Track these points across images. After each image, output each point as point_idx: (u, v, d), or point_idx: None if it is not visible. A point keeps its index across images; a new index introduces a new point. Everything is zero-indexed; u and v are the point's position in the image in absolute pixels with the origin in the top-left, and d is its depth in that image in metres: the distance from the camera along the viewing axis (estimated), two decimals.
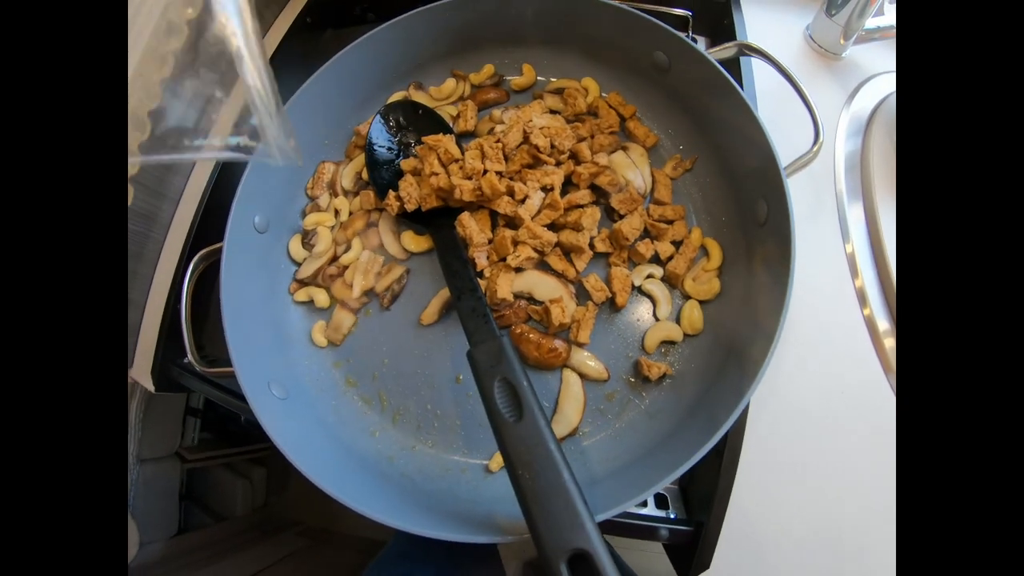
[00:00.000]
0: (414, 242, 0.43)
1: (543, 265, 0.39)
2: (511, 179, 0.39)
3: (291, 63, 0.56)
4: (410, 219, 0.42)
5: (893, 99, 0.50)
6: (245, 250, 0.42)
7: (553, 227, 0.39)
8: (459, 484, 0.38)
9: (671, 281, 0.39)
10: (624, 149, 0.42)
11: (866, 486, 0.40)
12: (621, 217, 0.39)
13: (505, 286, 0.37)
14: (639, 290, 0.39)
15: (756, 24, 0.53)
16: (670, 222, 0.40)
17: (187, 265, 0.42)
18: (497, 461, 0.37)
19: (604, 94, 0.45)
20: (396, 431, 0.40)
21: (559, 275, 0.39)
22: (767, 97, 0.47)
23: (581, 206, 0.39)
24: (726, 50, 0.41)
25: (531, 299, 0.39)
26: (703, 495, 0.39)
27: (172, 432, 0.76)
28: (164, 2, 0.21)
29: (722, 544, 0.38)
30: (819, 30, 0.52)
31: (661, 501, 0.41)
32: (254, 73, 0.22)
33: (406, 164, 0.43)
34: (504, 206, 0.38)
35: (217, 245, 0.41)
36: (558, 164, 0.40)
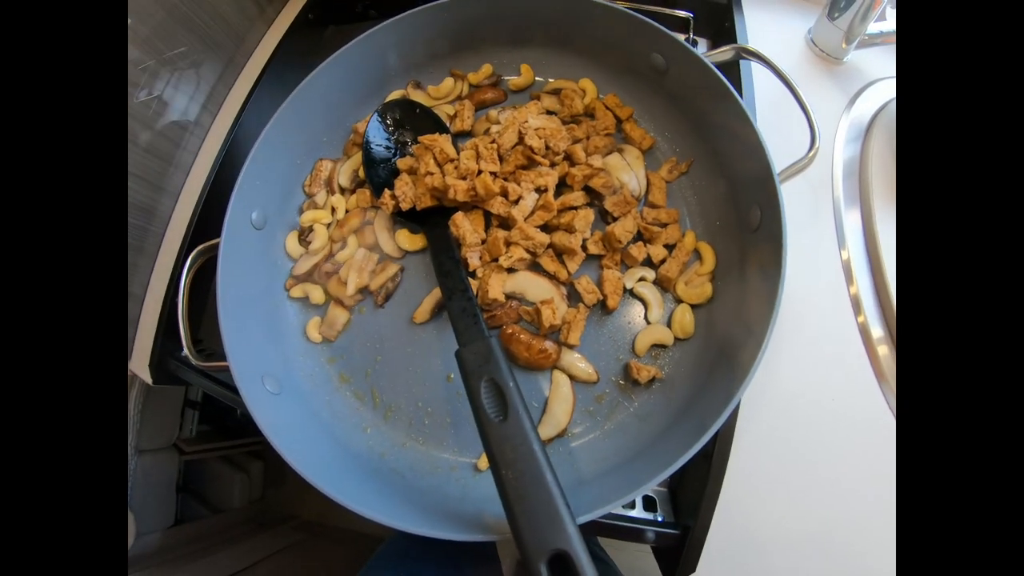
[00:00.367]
0: (409, 241, 0.43)
1: (535, 266, 0.39)
2: (505, 180, 0.39)
3: (292, 59, 0.57)
4: (405, 218, 0.42)
5: (894, 105, 0.49)
6: (242, 246, 0.42)
7: (546, 228, 0.39)
8: (448, 482, 0.38)
9: (663, 284, 0.39)
10: (620, 151, 0.42)
11: (856, 494, 0.40)
12: (615, 219, 0.39)
13: (497, 286, 0.37)
14: (631, 293, 0.39)
15: (757, 27, 0.53)
16: (664, 225, 0.40)
17: (186, 260, 0.43)
18: (486, 460, 0.38)
19: (602, 96, 0.45)
20: (388, 428, 0.41)
21: (551, 276, 0.39)
22: (766, 101, 0.47)
23: (574, 208, 0.39)
24: (723, 53, 0.41)
25: (523, 300, 0.39)
26: (691, 499, 0.39)
27: (170, 424, 0.77)
28: None
29: (709, 548, 0.38)
30: (821, 34, 0.52)
31: (649, 504, 0.41)
32: None
33: (402, 163, 0.43)
34: (497, 206, 0.38)
35: (214, 240, 0.42)
36: (553, 165, 0.40)
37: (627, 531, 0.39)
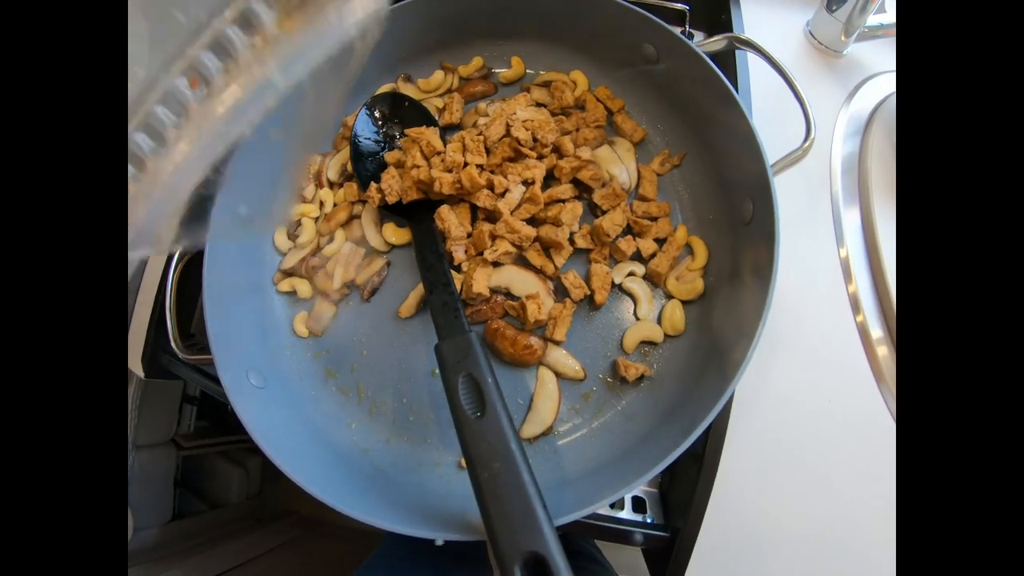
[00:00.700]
0: (395, 234, 0.42)
1: (522, 260, 0.39)
2: (492, 172, 0.39)
3: None
4: (392, 211, 0.42)
5: (894, 99, 0.48)
6: (229, 240, 0.42)
7: (534, 222, 0.39)
8: (431, 479, 0.37)
9: (653, 280, 0.38)
10: (610, 144, 0.41)
11: (851, 497, 0.39)
12: (604, 213, 0.39)
13: (482, 280, 0.37)
14: (620, 288, 0.38)
15: (755, 19, 0.52)
16: (654, 219, 0.39)
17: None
18: None
19: (594, 88, 0.45)
20: (372, 423, 0.40)
21: (537, 271, 0.38)
22: (763, 93, 0.46)
23: (562, 201, 0.38)
24: (716, 43, 0.40)
25: (508, 294, 0.38)
26: (682, 501, 0.38)
27: (168, 419, 0.77)
28: None
29: (700, 552, 0.37)
30: (820, 26, 0.50)
31: (639, 505, 0.40)
32: None
33: (390, 156, 0.43)
34: (483, 199, 0.38)
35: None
36: (540, 158, 0.39)
37: (615, 532, 0.38)
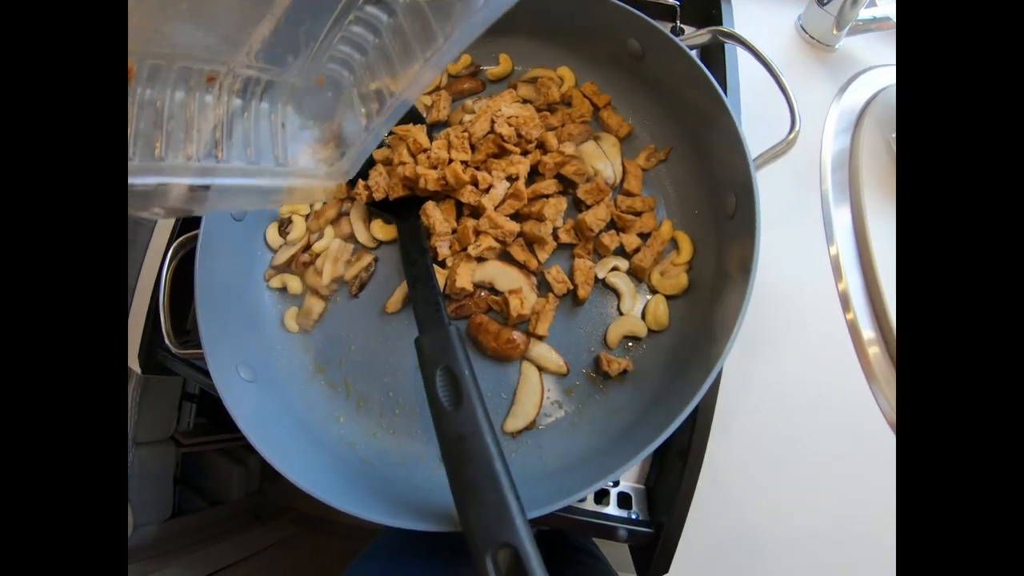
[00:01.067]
0: (383, 231, 0.43)
1: (506, 256, 0.39)
2: (477, 168, 0.39)
3: None
4: (379, 208, 0.42)
5: (887, 94, 0.47)
6: (222, 238, 0.42)
7: (518, 217, 0.39)
8: (416, 472, 0.38)
9: (637, 274, 0.38)
10: (596, 139, 0.42)
11: (838, 496, 0.39)
12: (588, 208, 0.39)
13: (465, 275, 0.37)
14: (604, 283, 0.38)
15: (746, 14, 0.51)
16: (638, 214, 0.39)
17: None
18: None
19: (580, 84, 0.45)
20: (360, 417, 0.40)
21: (521, 266, 0.38)
22: (753, 87, 0.45)
23: (546, 196, 0.38)
24: (700, 36, 0.40)
25: (492, 289, 0.38)
26: (667, 497, 0.38)
27: (168, 417, 0.78)
28: None
29: (685, 549, 0.37)
30: (811, 20, 0.50)
31: (624, 500, 0.40)
32: None
33: (378, 153, 0.43)
34: (467, 195, 0.38)
35: (194, 232, 0.42)
36: (525, 154, 0.39)
37: (599, 528, 0.38)
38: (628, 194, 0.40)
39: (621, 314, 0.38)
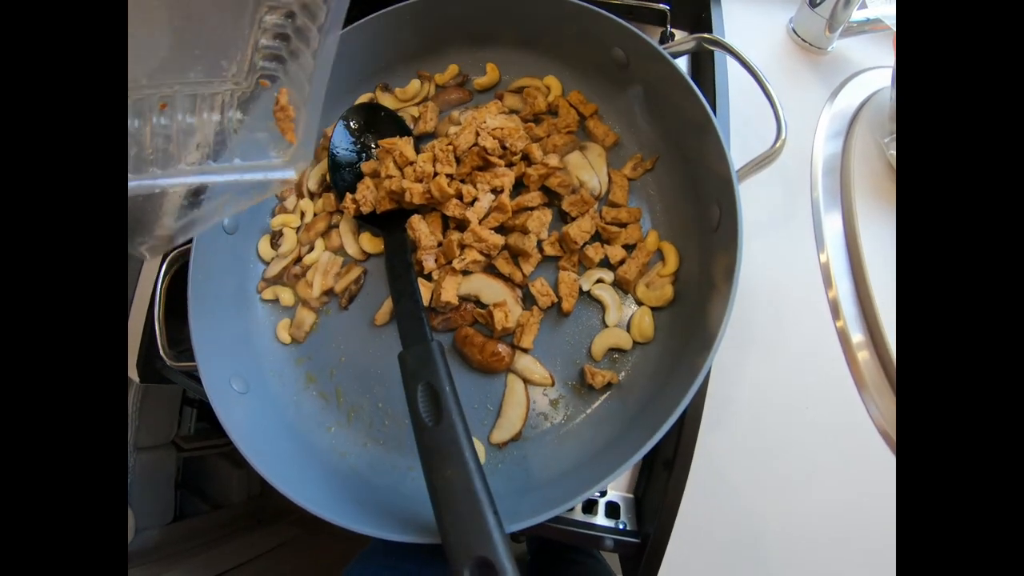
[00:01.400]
0: (371, 243, 0.43)
1: (492, 269, 0.39)
2: (462, 181, 0.39)
3: None
4: (367, 221, 0.43)
5: (880, 97, 0.47)
6: (214, 251, 0.43)
7: (503, 230, 0.39)
8: (404, 483, 0.38)
9: (622, 286, 0.38)
10: (582, 149, 0.41)
11: (826, 505, 0.38)
12: (573, 220, 0.39)
13: (451, 289, 0.37)
14: (589, 295, 0.38)
15: (737, 18, 0.51)
16: (623, 225, 0.39)
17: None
18: None
19: (567, 93, 0.44)
20: (350, 428, 0.41)
21: (506, 279, 0.38)
22: (743, 95, 0.45)
23: (531, 208, 0.38)
24: (685, 44, 0.39)
25: (478, 302, 0.39)
26: (655, 507, 0.38)
27: (168, 421, 0.79)
28: None
29: (672, 559, 0.37)
30: (802, 23, 0.50)
31: (612, 510, 0.40)
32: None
33: (367, 166, 0.43)
34: (452, 209, 0.38)
35: (187, 246, 0.43)
36: (510, 166, 0.39)
37: (586, 538, 0.38)
38: (614, 205, 0.40)
39: (606, 326, 0.38)
